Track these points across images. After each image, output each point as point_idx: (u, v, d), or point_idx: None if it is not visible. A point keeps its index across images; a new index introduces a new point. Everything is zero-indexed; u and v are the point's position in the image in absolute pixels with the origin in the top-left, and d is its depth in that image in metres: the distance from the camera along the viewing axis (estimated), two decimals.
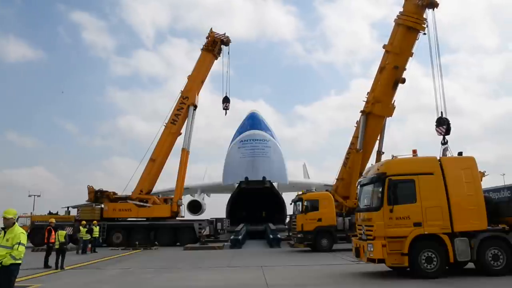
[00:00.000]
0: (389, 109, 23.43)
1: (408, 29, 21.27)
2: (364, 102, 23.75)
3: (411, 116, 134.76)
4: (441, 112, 18.48)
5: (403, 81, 22.61)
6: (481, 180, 16.30)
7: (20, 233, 6.69)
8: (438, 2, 20.15)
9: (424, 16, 21.03)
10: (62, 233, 16.22)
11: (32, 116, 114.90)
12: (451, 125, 18.30)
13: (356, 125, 24.75)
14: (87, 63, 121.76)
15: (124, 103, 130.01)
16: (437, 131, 18.38)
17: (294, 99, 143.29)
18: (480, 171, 16.85)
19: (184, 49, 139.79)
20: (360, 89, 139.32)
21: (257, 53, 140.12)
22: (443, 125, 18.23)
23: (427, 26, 20.53)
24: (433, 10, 20.06)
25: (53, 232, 16.25)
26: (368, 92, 23.80)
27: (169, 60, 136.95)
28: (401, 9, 21.92)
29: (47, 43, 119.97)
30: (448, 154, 15.98)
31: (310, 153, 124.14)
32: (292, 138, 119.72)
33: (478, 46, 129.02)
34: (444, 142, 17.75)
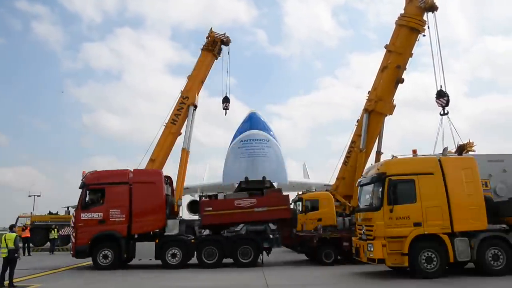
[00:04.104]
0: (391, 107, 23.83)
1: (411, 30, 22.11)
2: (366, 101, 24.00)
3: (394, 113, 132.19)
4: (441, 86, 19.86)
5: (403, 81, 23.28)
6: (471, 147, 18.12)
7: None
8: (437, 6, 21.33)
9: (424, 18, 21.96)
10: (10, 236, 11.54)
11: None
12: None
13: (356, 123, 24.87)
14: (37, 57, 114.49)
15: (86, 99, 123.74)
16: (437, 102, 19.84)
17: (265, 95, 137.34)
18: (469, 142, 18.71)
19: (133, 39, 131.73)
20: (329, 86, 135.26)
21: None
22: (443, 97, 19.69)
23: (428, 27, 21.44)
24: (433, 13, 21.25)
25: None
26: (369, 91, 24.11)
27: (118, 51, 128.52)
28: (402, 11, 22.72)
29: None
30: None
31: (297, 151, 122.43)
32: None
33: (450, 38, 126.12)
34: (444, 113, 19.45)
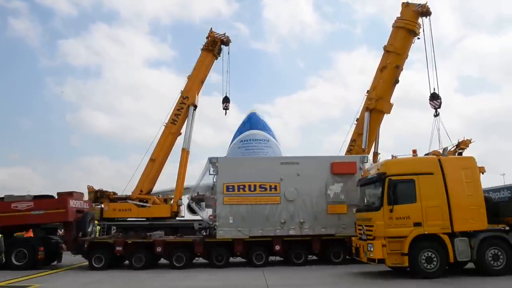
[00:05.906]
0: (389, 106, 24.25)
1: (409, 32, 23.07)
2: (366, 99, 24.37)
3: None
4: (434, 88, 21.33)
5: (398, 81, 23.95)
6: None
7: None
8: (431, 11, 22.85)
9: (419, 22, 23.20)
10: None
11: None
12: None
13: (355, 122, 25.12)
14: (10, 54, 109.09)
15: (69, 97, 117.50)
16: (431, 104, 21.45)
17: (252, 93, 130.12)
18: (464, 140, 19.97)
19: (109, 34, 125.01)
20: (315, 85, 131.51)
21: (194, 34, 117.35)
22: (436, 99, 21.26)
23: (423, 30, 22.77)
24: (427, 17, 22.63)
25: None
26: (368, 90, 24.54)
27: (96, 47, 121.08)
28: (398, 15, 23.80)
29: None
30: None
31: (291, 150, 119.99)
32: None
33: (438, 35, 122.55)
34: (436, 114, 21.14)
